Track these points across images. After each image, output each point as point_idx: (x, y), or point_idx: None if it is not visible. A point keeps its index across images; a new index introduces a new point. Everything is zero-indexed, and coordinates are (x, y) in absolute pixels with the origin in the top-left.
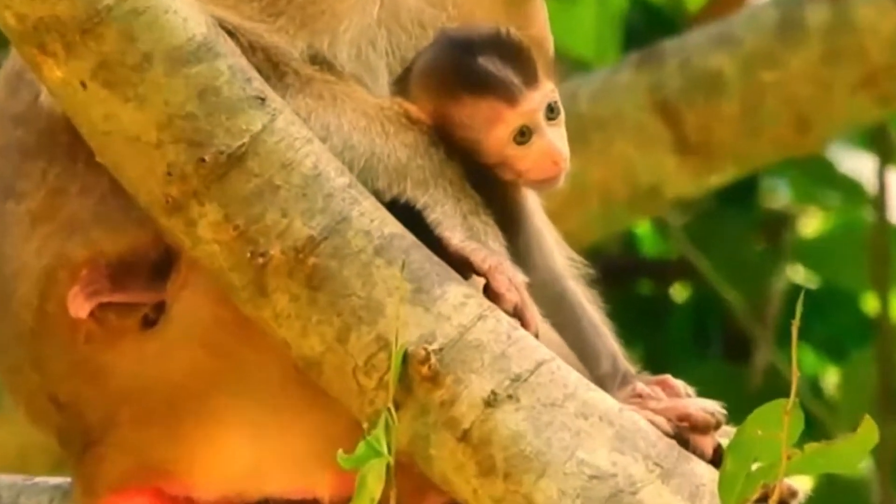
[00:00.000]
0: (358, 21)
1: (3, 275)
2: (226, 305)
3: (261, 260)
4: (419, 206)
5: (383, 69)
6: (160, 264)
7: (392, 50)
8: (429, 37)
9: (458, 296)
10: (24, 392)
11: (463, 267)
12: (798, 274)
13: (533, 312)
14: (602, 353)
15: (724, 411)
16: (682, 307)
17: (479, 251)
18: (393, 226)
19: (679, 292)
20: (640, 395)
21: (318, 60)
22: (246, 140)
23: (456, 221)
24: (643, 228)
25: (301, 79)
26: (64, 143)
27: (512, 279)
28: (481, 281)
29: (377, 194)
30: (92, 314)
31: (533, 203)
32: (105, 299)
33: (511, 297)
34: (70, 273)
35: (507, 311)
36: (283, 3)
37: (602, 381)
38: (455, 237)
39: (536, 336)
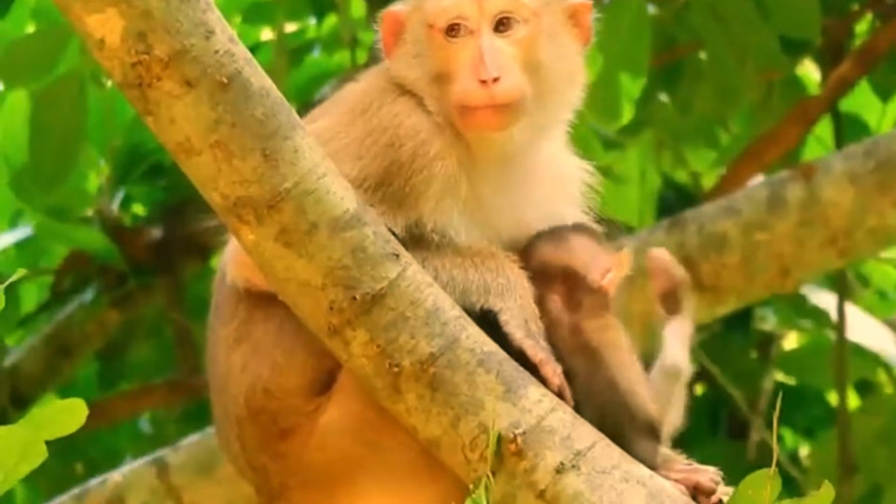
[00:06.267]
0: (436, 194)
1: (217, 372)
2: (370, 405)
3: (396, 370)
4: (496, 309)
5: (463, 223)
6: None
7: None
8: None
9: (537, 395)
10: (232, 455)
11: (521, 356)
12: (781, 377)
13: (569, 393)
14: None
15: (725, 477)
16: (699, 400)
17: (534, 346)
18: (490, 345)
19: (697, 390)
20: (669, 467)
21: (413, 231)
22: (385, 284)
23: (520, 322)
24: None
25: (415, 240)
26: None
27: (555, 369)
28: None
29: (471, 305)
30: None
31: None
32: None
33: (555, 381)
34: (265, 392)
35: (552, 390)
36: (381, 193)
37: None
38: (518, 334)
39: (572, 406)
